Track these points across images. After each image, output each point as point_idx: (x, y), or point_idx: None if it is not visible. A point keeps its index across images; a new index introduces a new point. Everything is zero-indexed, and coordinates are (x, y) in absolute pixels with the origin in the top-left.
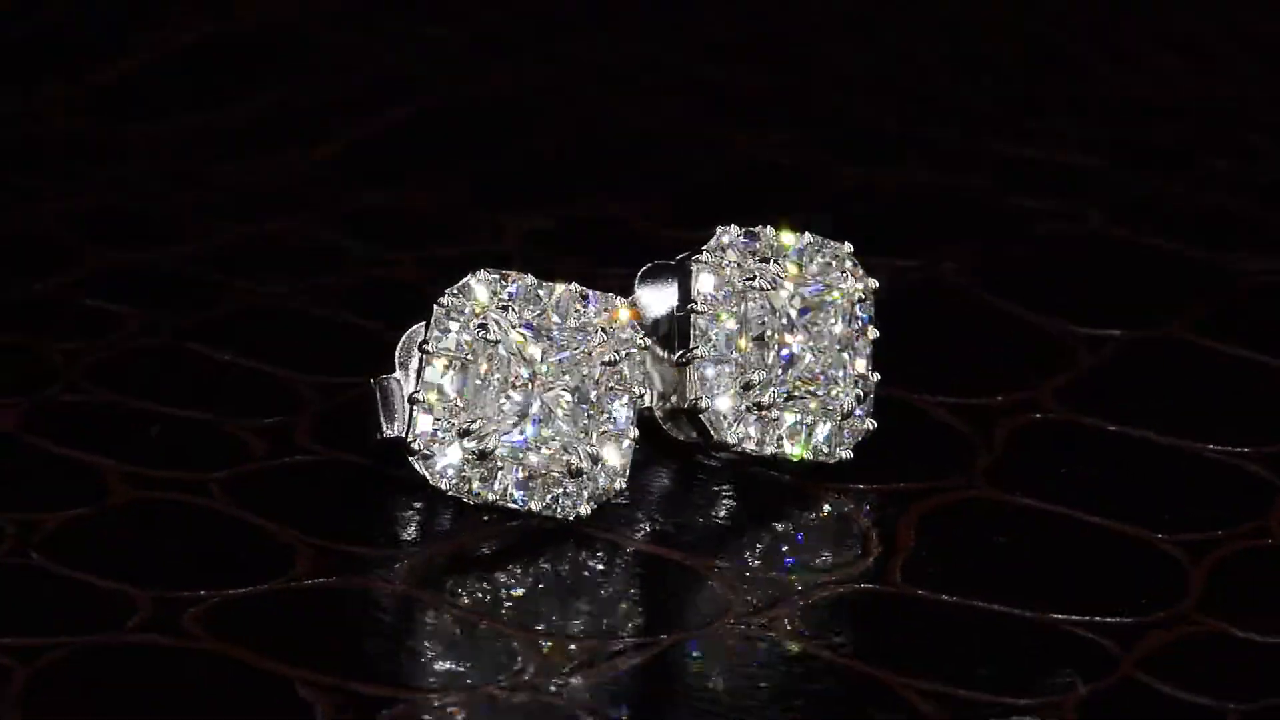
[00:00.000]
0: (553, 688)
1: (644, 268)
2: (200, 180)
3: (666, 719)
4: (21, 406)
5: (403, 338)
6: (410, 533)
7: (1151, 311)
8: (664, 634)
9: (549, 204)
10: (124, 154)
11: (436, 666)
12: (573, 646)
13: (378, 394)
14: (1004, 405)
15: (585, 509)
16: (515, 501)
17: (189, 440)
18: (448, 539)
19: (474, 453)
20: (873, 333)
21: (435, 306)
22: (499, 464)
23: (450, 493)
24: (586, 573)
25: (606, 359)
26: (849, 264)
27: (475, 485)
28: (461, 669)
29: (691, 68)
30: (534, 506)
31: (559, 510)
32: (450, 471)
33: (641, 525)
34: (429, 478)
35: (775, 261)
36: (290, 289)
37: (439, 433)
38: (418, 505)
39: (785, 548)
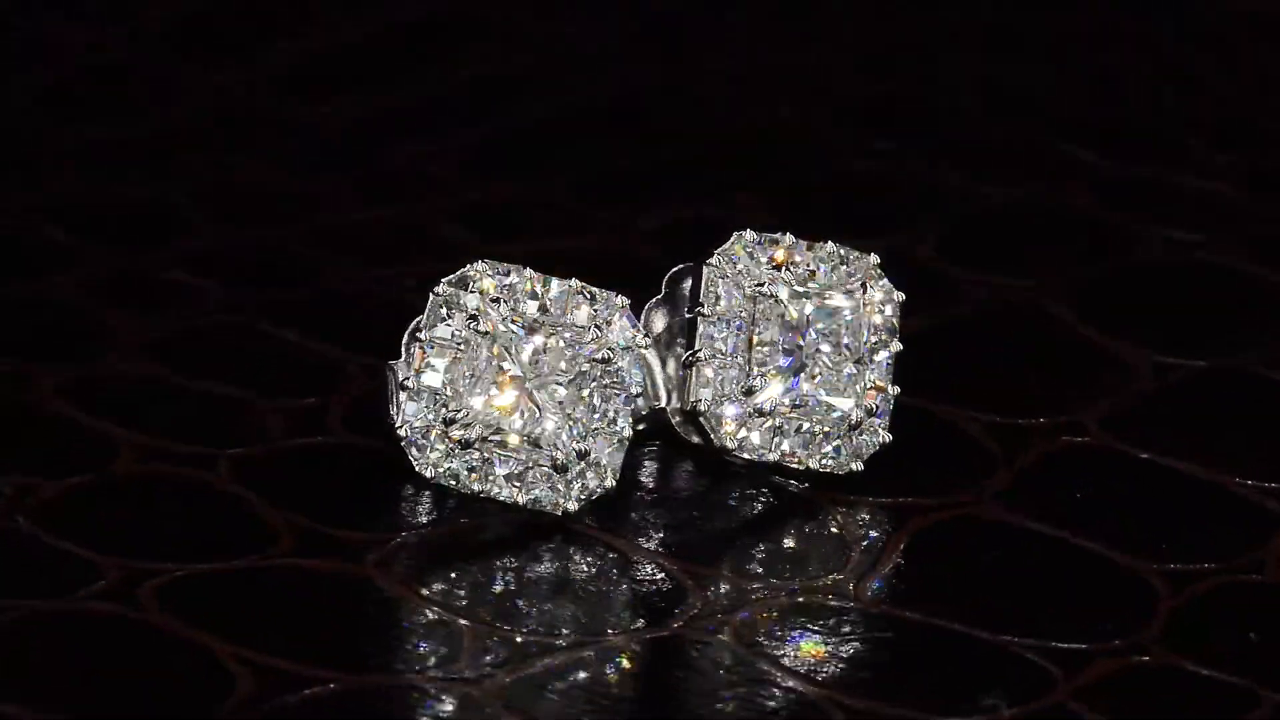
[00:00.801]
0: (478, 681)
1: (673, 270)
2: (342, 163)
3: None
4: (63, 374)
5: (411, 324)
6: (404, 520)
7: (1238, 344)
8: (605, 635)
9: (670, 203)
10: (284, 134)
11: (374, 652)
12: (495, 638)
13: (389, 379)
14: (1044, 427)
15: (573, 505)
16: (502, 494)
17: (216, 416)
18: (437, 529)
19: (458, 442)
20: (895, 345)
21: (431, 295)
22: (485, 455)
23: (436, 481)
24: (557, 570)
25: (600, 356)
26: (873, 276)
27: (463, 475)
28: (399, 657)
29: (840, 75)
30: (520, 500)
31: (546, 505)
32: (436, 460)
33: (634, 525)
34: (416, 465)
35: (788, 268)
36: (389, 275)
37: (427, 421)
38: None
39: (768, 556)
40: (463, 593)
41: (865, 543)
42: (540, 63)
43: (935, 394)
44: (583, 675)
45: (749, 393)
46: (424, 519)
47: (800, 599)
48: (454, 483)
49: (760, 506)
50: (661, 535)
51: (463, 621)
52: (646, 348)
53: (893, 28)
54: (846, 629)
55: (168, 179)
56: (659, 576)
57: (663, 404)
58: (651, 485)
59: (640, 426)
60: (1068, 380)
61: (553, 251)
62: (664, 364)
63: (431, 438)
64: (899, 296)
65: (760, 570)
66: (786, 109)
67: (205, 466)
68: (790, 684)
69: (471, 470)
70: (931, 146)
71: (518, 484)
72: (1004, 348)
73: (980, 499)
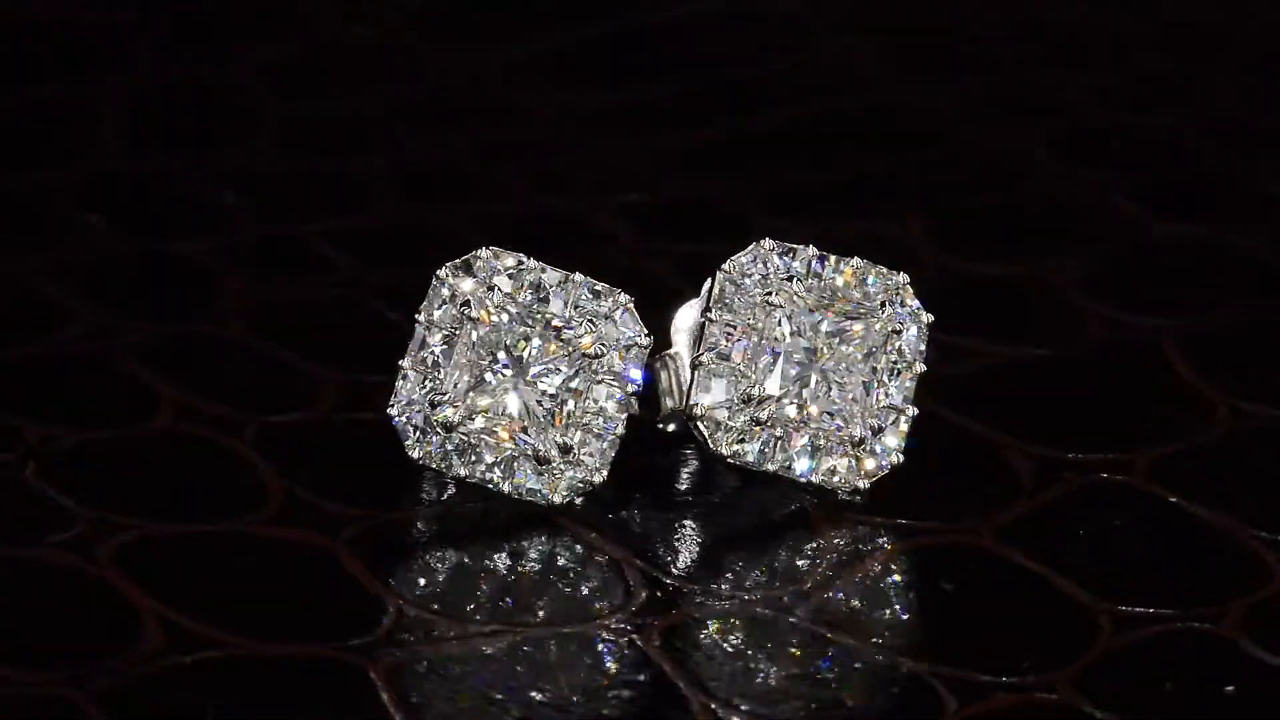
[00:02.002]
0: (377, 660)
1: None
2: (529, 151)
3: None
4: (145, 331)
5: None
6: (399, 500)
7: None
8: (529, 627)
9: (833, 216)
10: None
11: (299, 623)
12: (420, 621)
13: None
14: (1086, 463)
15: (559, 497)
16: (487, 481)
17: (272, 384)
18: (425, 512)
19: (441, 424)
20: (919, 367)
21: (434, 278)
22: (473, 441)
23: (422, 463)
24: (514, 561)
25: (594, 351)
26: (899, 295)
27: (450, 459)
28: (319, 629)
29: (1065, 104)
30: (505, 489)
31: (533, 495)
32: (421, 442)
33: (621, 523)
34: (405, 447)
35: (800, 280)
36: None
37: (415, 402)
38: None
39: (740, 565)
40: (419, 577)
41: (842, 560)
42: (787, 69)
43: (994, 422)
44: (472, 664)
45: (747, 400)
46: (422, 502)
47: (741, 609)
48: (442, 466)
49: (761, 516)
50: (644, 535)
51: (398, 600)
52: (647, 347)
53: (1140, 63)
54: (770, 644)
55: (365, 154)
56: (616, 574)
57: (684, 406)
58: (659, 486)
59: (671, 427)
60: (1146, 421)
61: (700, 255)
62: (691, 366)
63: (419, 419)
64: (927, 318)
65: (720, 577)
66: (1007, 135)
67: (232, 430)
68: (684, 689)
69: (459, 455)
70: (1130, 178)
71: (502, 472)
72: (1090, 383)
73: (981, 527)
